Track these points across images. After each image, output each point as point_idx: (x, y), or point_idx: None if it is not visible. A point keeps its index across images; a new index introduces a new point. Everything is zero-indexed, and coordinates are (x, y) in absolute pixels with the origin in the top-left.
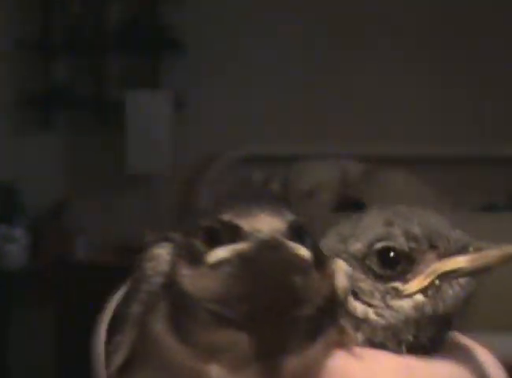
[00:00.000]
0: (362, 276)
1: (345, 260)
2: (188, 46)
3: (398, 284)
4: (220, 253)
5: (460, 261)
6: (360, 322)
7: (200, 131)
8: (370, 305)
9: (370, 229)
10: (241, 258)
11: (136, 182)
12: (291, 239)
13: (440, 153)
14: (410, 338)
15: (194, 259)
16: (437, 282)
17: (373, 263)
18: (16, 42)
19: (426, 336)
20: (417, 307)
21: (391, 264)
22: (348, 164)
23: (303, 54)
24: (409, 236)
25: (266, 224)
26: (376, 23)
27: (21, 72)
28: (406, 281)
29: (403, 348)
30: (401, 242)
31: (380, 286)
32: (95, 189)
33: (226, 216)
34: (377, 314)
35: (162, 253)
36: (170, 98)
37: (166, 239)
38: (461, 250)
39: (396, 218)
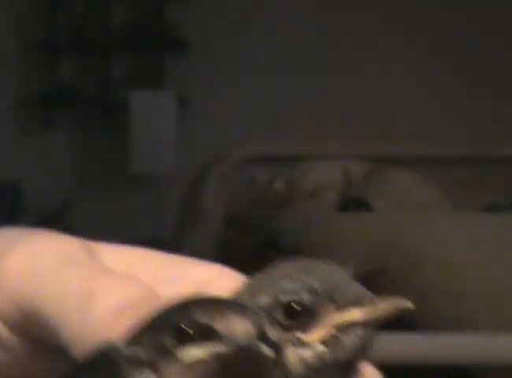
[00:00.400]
0: (270, 328)
1: (255, 313)
2: (193, 46)
3: (300, 335)
4: (195, 352)
5: (355, 314)
6: None
7: (204, 131)
8: None
9: (276, 284)
10: (216, 359)
11: (141, 182)
12: (260, 340)
13: (440, 153)
14: None
15: (163, 357)
16: (335, 332)
17: (278, 315)
18: (23, 42)
19: None
20: (318, 356)
21: (294, 316)
22: (352, 164)
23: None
24: (311, 291)
25: (239, 326)
26: (377, 23)
27: (27, 72)
28: (307, 332)
29: None
30: (302, 296)
31: (285, 336)
32: (100, 189)
33: (198, 316)
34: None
35: (136, 366)
36: (175, 98)
37: (133, 343)
38: (357, 303)
39: (299, 273)
